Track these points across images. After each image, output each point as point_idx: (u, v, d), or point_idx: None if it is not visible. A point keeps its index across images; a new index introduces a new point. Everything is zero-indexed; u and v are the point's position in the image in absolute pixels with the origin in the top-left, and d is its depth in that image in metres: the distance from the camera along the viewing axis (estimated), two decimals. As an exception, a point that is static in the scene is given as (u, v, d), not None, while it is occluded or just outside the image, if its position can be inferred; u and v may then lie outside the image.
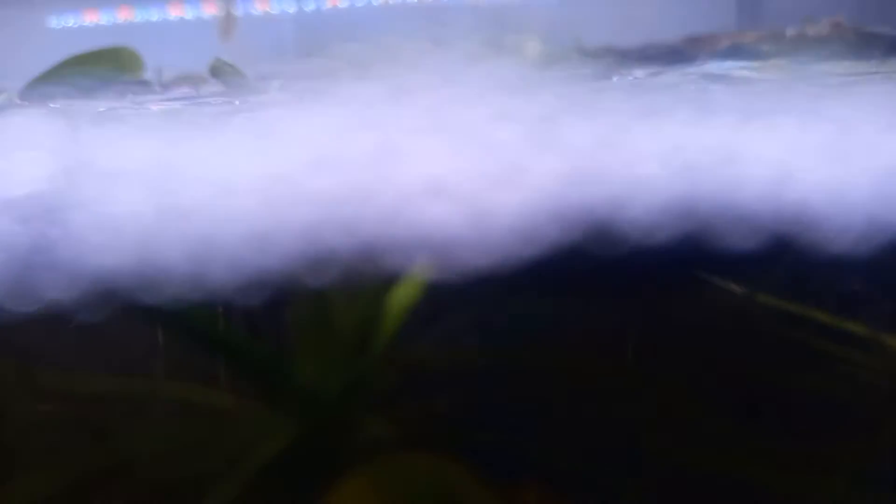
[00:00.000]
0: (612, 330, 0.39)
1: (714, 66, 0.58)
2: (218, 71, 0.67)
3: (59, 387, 0.34)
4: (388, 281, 0.33)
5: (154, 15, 1.31)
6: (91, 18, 1.32)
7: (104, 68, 0.73)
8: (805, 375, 0.38)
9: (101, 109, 0.51)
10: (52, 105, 0.60)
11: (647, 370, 0.37)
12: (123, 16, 1.32)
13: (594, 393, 0.38)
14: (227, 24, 1.20)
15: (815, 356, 0.39)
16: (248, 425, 0.40)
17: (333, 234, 0.27)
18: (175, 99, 0.57)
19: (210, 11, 1.23)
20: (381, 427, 0.39)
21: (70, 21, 1.31)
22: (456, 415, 0.39)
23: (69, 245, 0.25)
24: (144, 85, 0.74)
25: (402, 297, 0.40)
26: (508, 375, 0.38)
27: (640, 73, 0.66)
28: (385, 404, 0.40)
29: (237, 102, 0.52)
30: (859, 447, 0.40)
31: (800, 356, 0.38)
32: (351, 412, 0.40)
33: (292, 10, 1.29)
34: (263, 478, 0.37)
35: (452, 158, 0.27)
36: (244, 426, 0.40)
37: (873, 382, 0.41)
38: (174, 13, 1.30)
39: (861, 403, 0.41)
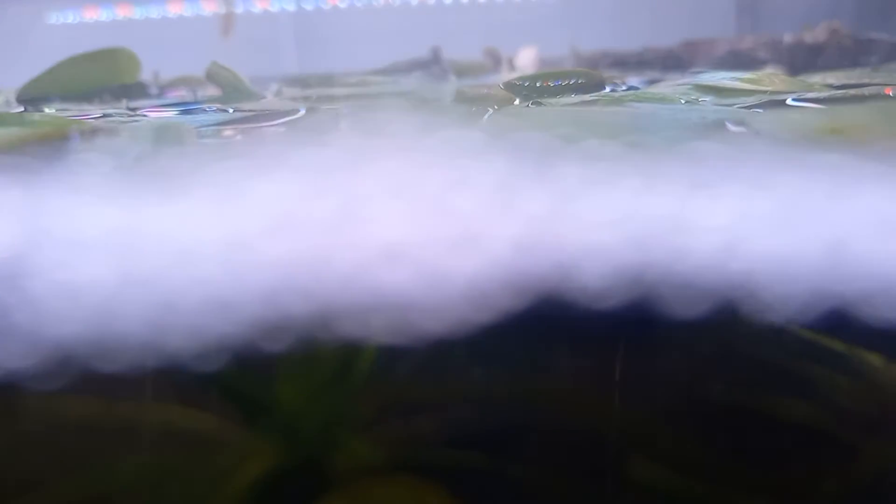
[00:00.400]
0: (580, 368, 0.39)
1: (707, 77, 0.58)
2: (214, 76, 0.67)
3: (38, 411, 0.34)
4: (347, 346, 0.33)
5: (154, 12, 1.31)
6: (91, 15, 1.32)
7: (101, 70, 0.73)
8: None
9: (97, 115, 0.51)
10: (47, 109, 0.60)
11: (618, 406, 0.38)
12: (123, 12, 1.32)
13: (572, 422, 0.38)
14: (227, 21, 1.20)
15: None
16: (229, 450, 0.39)
17: (291, 299, 0.27)
18: (169, 105, 0.57)
19: (210, 9, 1.23)
20: (364, 452, 0.38)
21: (70, 17, 1.32)
22: (439, 441, 0.39)
23: (27, 312, 0.26)
24: (141, 87, 0.74)
25: None
26: (492, 403, 0.39)
27: (635, 80, 0.66)
28: (368, 429, 0.40)
29: (231, 111, 0.52)
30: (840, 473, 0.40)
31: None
32: (333, 437, 0.39)
33: (292, 8, 1.29)
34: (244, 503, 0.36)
35: (408, 226, 0.27)
36: (224, 450, 0.39)
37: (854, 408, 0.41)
38: (174, 10, 1.30)
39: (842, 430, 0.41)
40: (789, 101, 0.48)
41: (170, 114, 0.54)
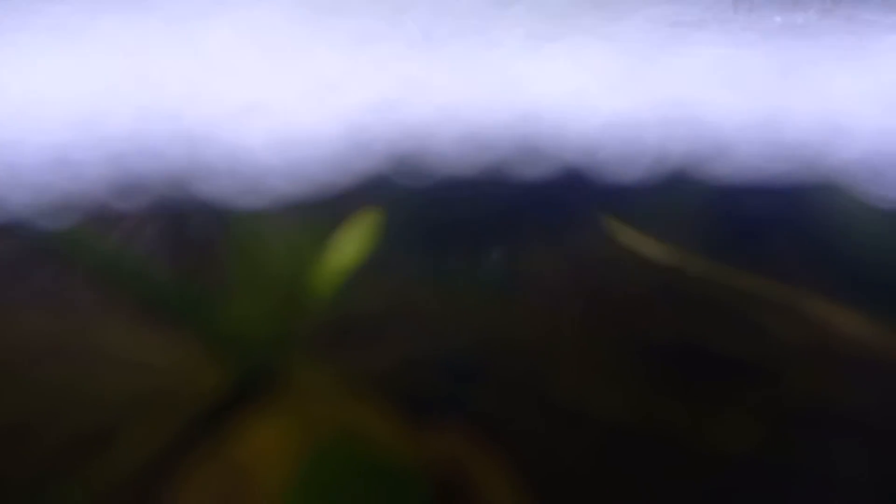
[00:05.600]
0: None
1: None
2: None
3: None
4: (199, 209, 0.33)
5: None
6: None
7: None
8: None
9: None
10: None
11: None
12: None
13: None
14: None
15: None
16: (174, 372, 0.37)
17: (140, 157, 0.27)
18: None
19: None
20: (316, 375, 0.37)
21: None
22: (396, 364, 0.38)
23: None
24: None
25: (350, 246, 0.39)
26: (450, 329, 0.38)
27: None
28: (322, 353, 0.38)
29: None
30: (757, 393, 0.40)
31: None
32: (284, 360, 0.38)
33: None
34: (188, 425, 0.35)
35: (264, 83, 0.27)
36: (169, 373, 0.37)
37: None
38: None
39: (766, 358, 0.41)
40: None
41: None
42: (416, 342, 0.38)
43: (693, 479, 0.39)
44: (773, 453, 0.40)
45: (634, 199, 0.32)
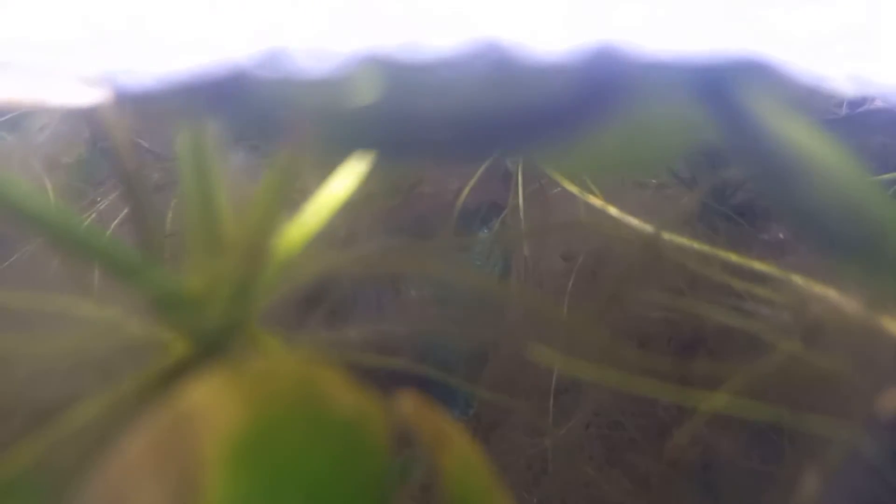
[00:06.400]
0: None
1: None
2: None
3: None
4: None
5: None
6: None
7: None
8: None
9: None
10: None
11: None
12: None
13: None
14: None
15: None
16: (130, 339, 0.37)
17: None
18: None
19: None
20: (274, 343, 0.36)
21: None
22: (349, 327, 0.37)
23: None
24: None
25: (314, 210, 0.39)
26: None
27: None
28: (280, 321, 0.38)
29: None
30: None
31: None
32: (241, 327, 0.37)
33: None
34: (142, 387, 0.34)
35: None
36: (125, 340, 0.37)
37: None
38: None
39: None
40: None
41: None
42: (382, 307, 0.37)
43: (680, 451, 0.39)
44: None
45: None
